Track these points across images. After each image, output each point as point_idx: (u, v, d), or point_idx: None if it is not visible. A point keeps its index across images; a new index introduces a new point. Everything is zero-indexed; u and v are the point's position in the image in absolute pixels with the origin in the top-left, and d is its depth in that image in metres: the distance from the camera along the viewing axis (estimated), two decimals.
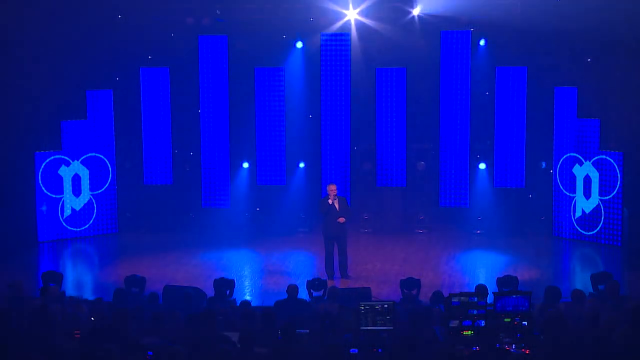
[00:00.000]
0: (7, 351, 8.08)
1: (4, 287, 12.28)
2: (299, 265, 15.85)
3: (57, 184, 17.73)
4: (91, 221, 18.10)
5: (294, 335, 8.82)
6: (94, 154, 18.03)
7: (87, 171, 18.00)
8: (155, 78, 18.32)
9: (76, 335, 9.24)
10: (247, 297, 13.40)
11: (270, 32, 18.11)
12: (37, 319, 9.53)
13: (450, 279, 14.78)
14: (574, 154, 17.20)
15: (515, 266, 15.23)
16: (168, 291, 12.35)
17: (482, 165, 18.19)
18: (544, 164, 18.12)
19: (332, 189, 14.67)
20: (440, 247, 16.98)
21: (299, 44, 18.27)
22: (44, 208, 17.51)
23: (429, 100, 18.20)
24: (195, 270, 15.64)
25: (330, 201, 14.60)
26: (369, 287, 12.60)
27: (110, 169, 18.22)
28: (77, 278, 15.55)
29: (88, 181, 18.01)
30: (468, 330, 9.17)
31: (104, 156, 18.12)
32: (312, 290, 12.78)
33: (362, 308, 9.42)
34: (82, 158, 17.93)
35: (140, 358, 8.29)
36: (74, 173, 17.88)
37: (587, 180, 17.00)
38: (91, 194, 18.08)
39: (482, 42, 17.89)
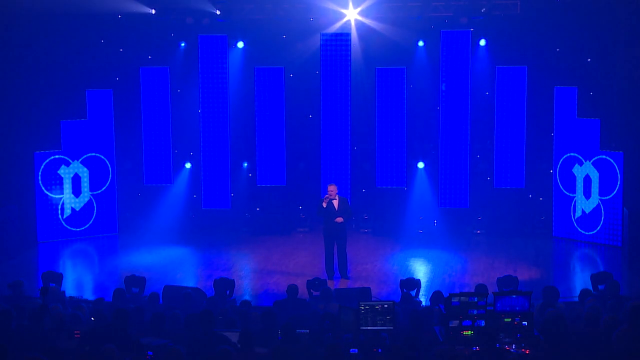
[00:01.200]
0: (7, 351, 8.09)
1: (4, 287, 12.30)
2: (299, 265, 15.85)
3: (57, 184, 17.72)
4: (91, 221, 18.09)
5: (294, 335, 8.83)
6: (94, 154, 18.02)
7: (87, 171, 17.99)
8: (155, 78, 18.32)
9: (76, 335, 9.24)
10: (247, 297, 13.39)
11: (270, 32, 18.12)
12: (37, 319, 9.54)
13: (450, 279, 14.78)
14: (574, 154, 17.19)
15: (515, 266, 15.23)
16: (168, 291, 12.36)
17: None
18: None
19: (330, 189, 14.65)
20: (440, 247, 16.98)
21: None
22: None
23: (429, 100, 18.20)
24: (195, 270, 15.64)
25: (324, 204, 14.55)
26: (369, 287, 12.60)
27: (110, 169, 18.22)
28: (77, 278, 15.54)
29: (88, 181, 18.00)
30: (468, 330, 9.17)
31: (104, 156, 18.12)
32: (312, 290, 12.78)
33: (362, 308, 9.41)
34: (82, 158, 17.92)
35: (140, 358, 8.30)
36: (74, 173, 17.87)
37: (587, 180, 17.00)
38: (91, 194, 18.07)
39: (482, 42, 17.89)
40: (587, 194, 17.02)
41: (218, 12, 18.11)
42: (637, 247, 15.66)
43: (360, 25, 18.06)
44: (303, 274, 14.76)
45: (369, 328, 9.34)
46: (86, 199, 18.02)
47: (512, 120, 17.82)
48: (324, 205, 14.53)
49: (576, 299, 11.69)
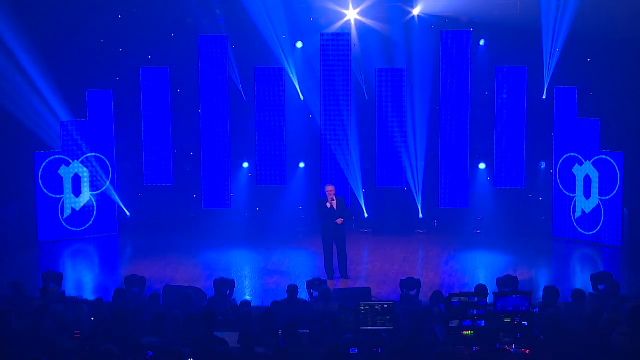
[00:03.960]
0: (7, 351, 8.09)
1: (4, 287, 12.30)
2: (299, 265, 15.86)
3: (57, 184, 17.72)
4: (91, 221, 18.09)
5: (294, 335, 8.83)
6: (94, 154, 18.03)
7: (87, 171, 18.00)
8: (155, 78, 18.31)
9: (76, 335, 9.24)
10: (247, 297, 13.39)
11: (270, 32, 18.12)
12: (37, 319, 9.54)
13: (450, 279, 14.78)
14: (574, 154, 17.19)
15: (515, 266, 15.23)
16: (168, 291, 12.36)
17: (482, 165, 18.19)
18: (543, 164, 18.14)
19: (329, 190, 14.65)
20: (440, 247, 16.98)
21: (299, 44, 18.29)
22: None
23: (429, 100, 18.20)
24: (195, 270, 15.65)
25: (328, 204, 14.57)
26: (369, 287, 12.61)
27: (110, 169, 18.22)
28: (77, 278, 15.55)
29: (88, 181, 18.00)
30: (468, 330, 9.17)
31: (104, 156, 18.12)
32: (312, 290, 12.78)
33: (362, 308, 9.42)
34: (82, 158, 17.93)
35: (140, 358, 8.29)
36: (74, 173, 17.87)
37: (587, 180, 17.00)
38: (91, 194, 18.07)
39: (482, 42, 17.87)
40: (587, 194, 17.02)
41: (218, 12, 18.13)
42: (637, 247, 15.68)
43: (360, 25, 18.08)
44: (303, 274, 14.78)
45: (369, 328, 9.34)
46: (86, 199, 18.02)
47: (512, 120, 17.83)
48: (329, 205, 14.54)
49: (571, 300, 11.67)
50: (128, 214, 18.47)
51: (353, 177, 18.20)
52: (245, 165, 18.63)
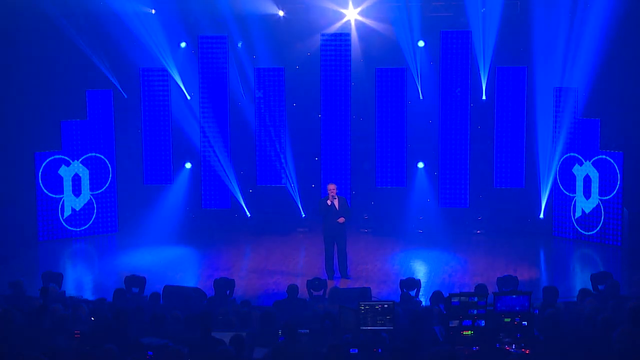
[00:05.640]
0: (7, 351, 8.09)
1: (4, 287, 12.31)
2: (299, 265, 15.85)
3: (57, 184, 17.72)
4: (91, 221, 18.09)
5: (295, 335, 8.83)
6: (94, 154, 18.02)
7: (87, 171, 17.99)
8: (155, 78, 18.31)
9: (76, 335, 9.25)
10: (247, 297, 13.37)
11: (272, 32, 18.12)
12: (37, 319, 9.55)
13: (450, 279, 14.78)
14: (574, 154, 17.19)
15: (515, 266, 15.23)
16: (168, 291, 12.36)
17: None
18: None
19: (331, 188, 14.66)
20: (440, 247, 16.98)
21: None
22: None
23: (428, 100, 18.19)
24: (195, 270, 15.64)
25: (329, 202, 14.59)
26: (369, 287, 12.60)
27: (110, 169, 18.22)
28: (77, 278, 15.55)
29: (88, 181, 18.00)
30: (468, 330, 9.17)
31: (104, 156, 18.11)
32: (312, 290, 12.78)
33: (362, 308, 9.42)
34: (82, 158, 17.92)
35: (140, 358, 8.30)
36: (74, 173, 17.87)
37: (587, 180, 17.00)
38: (91, 194, 18.07)
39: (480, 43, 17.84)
40: (587, 194, 17.01)
41: (218, 14, 18.16)
42: (637, 247, 15.67)
43: (360, 25, 18.08)
44: (303, 274, 14.78)
45: (369, 328, 9.35)
46: (86, 199, 18.02)
47: (512, 120, 17.82)
48: (329, 203, 14.56)
49: (576, 299, 11.69)
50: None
51: (353, 176, 18.22)
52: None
